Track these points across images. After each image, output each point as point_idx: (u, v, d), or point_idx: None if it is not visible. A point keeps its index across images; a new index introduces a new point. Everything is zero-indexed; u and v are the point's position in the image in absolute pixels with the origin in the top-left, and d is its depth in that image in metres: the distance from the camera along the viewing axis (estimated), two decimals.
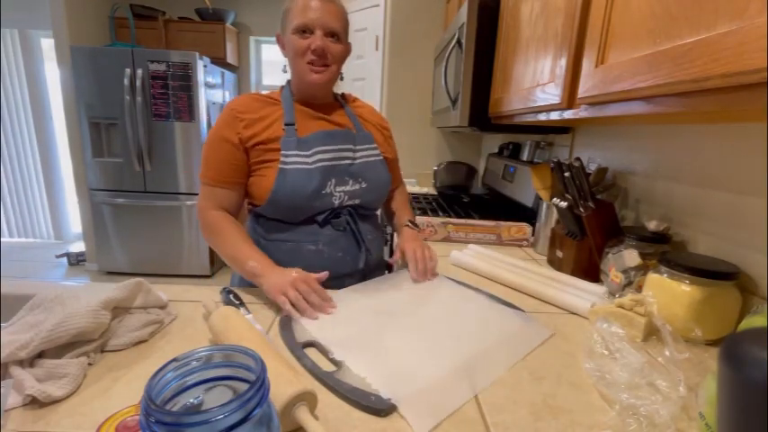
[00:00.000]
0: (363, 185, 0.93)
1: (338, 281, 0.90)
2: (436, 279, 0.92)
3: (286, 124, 0.89)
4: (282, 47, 0.93)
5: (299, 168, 0.86)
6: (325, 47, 0.85)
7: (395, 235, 1.33)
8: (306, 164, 0.87)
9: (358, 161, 0.93)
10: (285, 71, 0.98)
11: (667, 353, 0.56)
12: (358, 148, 0.95)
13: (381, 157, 0.99)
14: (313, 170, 0.87)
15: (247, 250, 0.82)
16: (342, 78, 0.98)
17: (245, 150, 0.87)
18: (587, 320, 0.76)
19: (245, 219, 0.99)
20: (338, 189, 0.89)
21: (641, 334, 0.67)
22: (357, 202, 0.93)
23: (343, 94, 1.05)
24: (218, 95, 3.11)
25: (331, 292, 0.82)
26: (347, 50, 0.92)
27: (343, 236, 0.92)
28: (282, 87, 0.96)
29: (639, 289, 0.78)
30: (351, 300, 0.78)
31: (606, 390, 0.52)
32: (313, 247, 0.90)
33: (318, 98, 0.95)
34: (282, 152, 0.86)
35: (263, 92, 0.97)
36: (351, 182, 0.91)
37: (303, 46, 0.85)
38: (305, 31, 0.85)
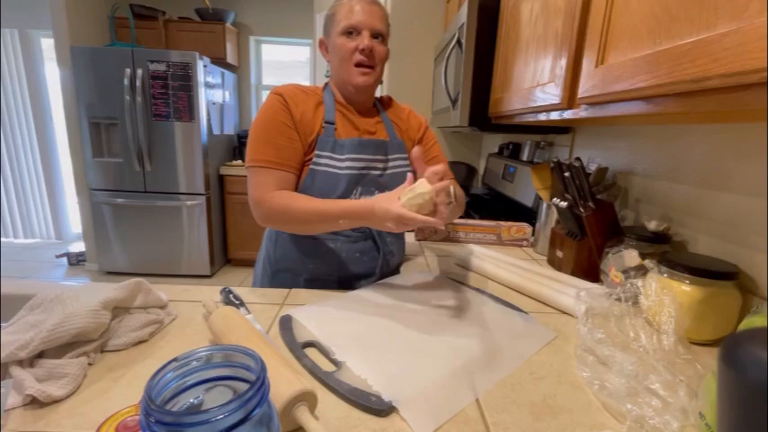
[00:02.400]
0: None
1: (352, 281, 0.91)
2: (437, 280, 0.92)
3: (326, 122, 0.88)
4: (326, 51, 0.93)
5: (329, 172, 0.86)
6: (372, 47, 0.85)
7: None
8: (336, 168, 0.87)
9: (388, 172, 0.93)
10: (327, 75, 0.98)
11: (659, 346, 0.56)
12: (390, 158, 0.94)
13: (410, 169, 0.96)
14: (342, 176, 0.87)
15: (335, 200, 0.79)
16: (382, 82, 0.97)
17: (299, 139, 0.86)
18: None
19: None
20: (363, 198, 0.89)
21: (632, 334, 0.67)
22: None
23: (381, 98, 1.03)
24: (218, 95, 3.11)
25: (331, 293, 0.82)
26: (389, 53, 0.92)
27: (362, 237, 0.92)
28: (325, 85, 0.96)
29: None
30: (352, 300, 0.78)
31: (609, 400, 0.52)
32: (332, 245, 0.90)
33: (360, 102, 0.94)
34: (317, 152, 0.86)
35: (304, 83, 0.96)
36: (377, 192, 0.90)
37: (351, 47, 0.85)
38: (351, 32, 0.85)
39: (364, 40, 0.85)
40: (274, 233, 0.95)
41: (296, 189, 0.85)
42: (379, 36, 0.87)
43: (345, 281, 0.93)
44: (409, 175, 0.77)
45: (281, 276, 0.95)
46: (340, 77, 0.90)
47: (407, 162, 0.97)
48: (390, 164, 0.94)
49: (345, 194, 0.87)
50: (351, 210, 0.74)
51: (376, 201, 0.71)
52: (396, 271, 1.03)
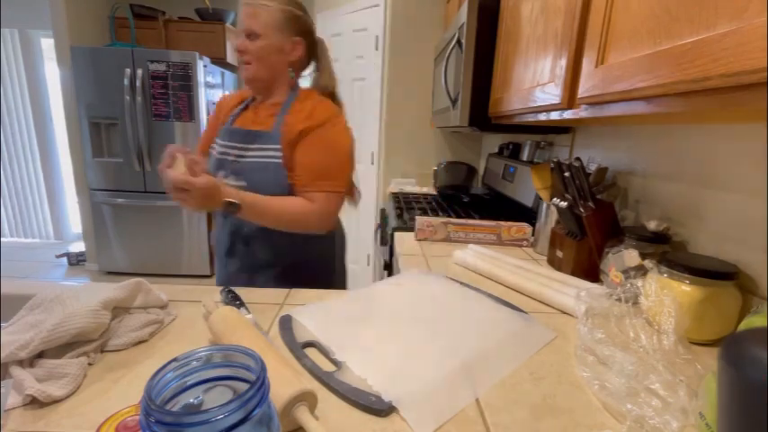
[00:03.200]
0: (243, 184, 0.95)
1: (220, 259, 1.09)
2: (437, 279, 0.92)
3: (232, 115, 1.05)
4: None
5: (211, 154, 1.04)
6: (243, 48, 0.95)
7: (395, 235, 1.33)
8: (213, 150, 1.04)
9: (244, 160, 0.98)
10: None
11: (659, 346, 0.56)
12: (251, 146, 0.98)
13: (275, 161, 0.94)
14: (212, 158, 1.03)
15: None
16: (294, 76, 1.05)
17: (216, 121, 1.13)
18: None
19: None
20: (227, 182, 0.96)
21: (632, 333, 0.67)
22: None
23: (300, 90, 1.03)
24: (218, 95, 3.11)
25: (332, 293, 0.82)
26: (271, 45, 0.96)
27: (227, 223, 1.03)
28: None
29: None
30: (352, 300, 0.78)
31: (609, 400, 0.52)
32: (214, 228, 1.11)
33: (263, 94, 1.03)
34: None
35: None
36: (232, 177, 0.97)
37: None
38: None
39: (239, 39, 0.96)
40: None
41: None
42: (252, 34, 0.94)
43: (218, 258, 1.10)
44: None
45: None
46: None
47: (278, 155, 0.94)
48: (251, 152, 0.98)
49: (213, 173, 0.95)
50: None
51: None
52: (277, 257, 1.04)
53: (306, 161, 0.95)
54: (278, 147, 0.95)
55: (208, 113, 2.91)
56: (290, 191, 0.96)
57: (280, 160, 0.95)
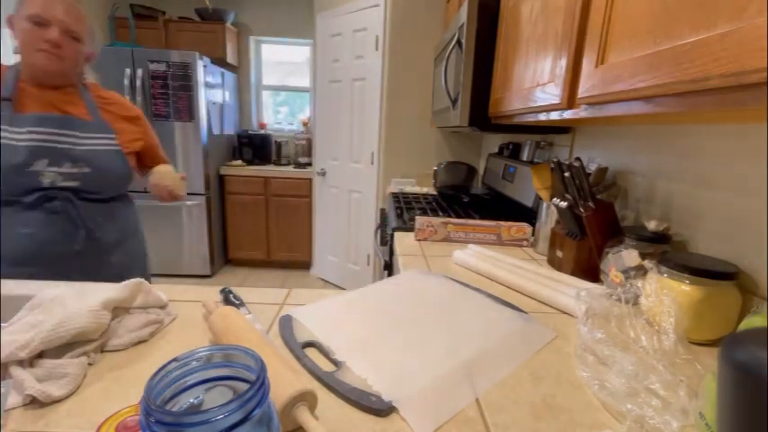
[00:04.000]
0: (87, 170, 0.99)
1: (56, 261, 0.97)
2: (437, 279, 0.92)
3: (4, 99, 0.94)
4: (13, 30, 0.97)
5: (5, 144, 0.92)
6: (62, 45, 0.94)
7: (395, 235, 1.33)
8: (13, 140, 0.92)
9: (83, 147, 0.99)
10: (16, 52, 1.03)
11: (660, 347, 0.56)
12: (85, 135, 1.00)
13: (117, 148, 1.05)
14: (20, 147, 0.92)
15: None
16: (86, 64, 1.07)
17: None
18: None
19: None
20: (51, 169, 0.94)
21: (633, 334, 0.67)
22: (76, 185, 0.98)
23: (85, 83, 1.09)
24: (218, 95, 3.11)
25: (332, 293, 0.82)
26: (84, 48, 1.01)
27: (59, 218, 0.97)
28: (11, 66, 0.99)
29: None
30: (352, 300, 0.78)
31: (609, 400, 0.52)
32: (27, 230, 0.95)
33: (50, 83, 1.00)
34: None
35: None
36: (69, 164, 0.97)
37: (38, 36, 0.92)
38: (41, 23, 0.92)
39: (53, 32, 0.92)
40: None
41: None
42: (73, 35, 0.96)
43: (50, 262, 0.99)
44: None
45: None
46: (25, 60, 0.96)
47: (114, 142, 1.05)
48: (90, 140, 1.01)
49: (24, 164, 0.91)
50: None
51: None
52: (120, 245, 1.13)
53: (150, 143, 1.20)
54: (112, 135, 1.05)
55: (208, 113, 2.91)
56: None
57: (118, 147, 1.06)
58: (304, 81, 3.72)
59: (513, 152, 1.88)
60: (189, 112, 2.78)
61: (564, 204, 0.98)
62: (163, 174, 1.15)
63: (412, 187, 2.40)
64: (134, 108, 1.17)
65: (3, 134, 0.92)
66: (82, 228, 1.00)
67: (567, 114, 0.83)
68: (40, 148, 0.94)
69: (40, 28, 0.92)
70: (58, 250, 0.98)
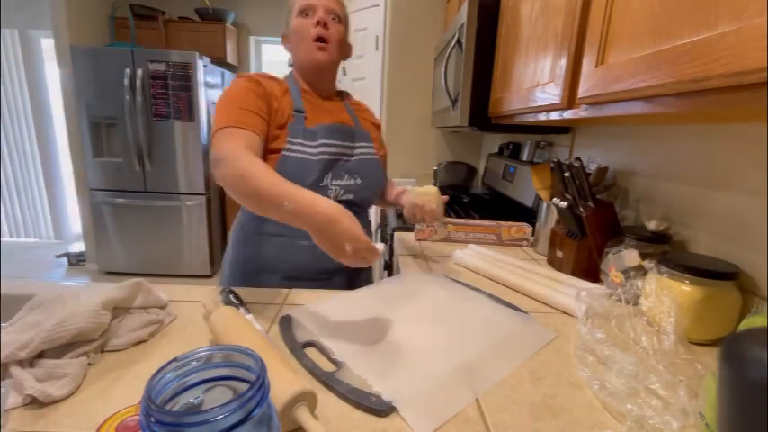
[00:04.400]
0: (359, 182, 0.95)
1: (328, 277, 0.92)
2: (437, 280, 0.92)
3: (296, 111, 0.90)
4: (288, 42, 0.96)
5: (301, 158, 0.87)
6: (327, 21, 0.89)
7: (395, 235, 1.33)
8: (308, 154, 0.88)
9: (354, 158, 0.96)
10: (290, 65, 1.01)
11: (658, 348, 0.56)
12: (356, 145, 0.97)
13: (377, 156, 1.02)
14: (314, 162, 0.88)
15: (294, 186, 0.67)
16: (345, 73, 1.02)
17: (269, 115, 0.86)
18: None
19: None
20: (334, 183, 0.91)
21: (633, 334, 0.67)
22: (351, 197, 0.94)
23: (341, 91, 1.08)
24: (218, 95, 3.11)
25: (332, 293, 0.82)
26: (346, 34, 0.95)
27: None
28: (286, 77, 0.98)
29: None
30: (352, 300, 0.78)
31: (609, 400, 0.52)
32: (306, 242, 0.88)
33: (324, 87, 0.98)
34: (289, 138, 0.88)
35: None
36: (346, 176, 0.93)
37: (308, 24, 0.89)
38: (307, 11, 0.90)
39: (320, 13, 0.89)
40: (243, 234, 0.96)
41: None
42: (334, 15, 0.92)
43: (323, 273, 0.93)
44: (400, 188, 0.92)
45: (254, 277, 0.93)
46: (301, 58, 0.94)
47: (374, 151, 1.01)
48: (358, 150, 0.97)
49: (318, 180, 0.88)
50: (301, 202, 0.62)
51: (340, 211, 0.61)
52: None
53: (385, 155, 1.10)
54: (371, 143, 1.01)
55: (208, 113, 2.91)
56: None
57: (377, 155, 1.01)
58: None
59: (513, 152, 1.88)
60: (189, 112, 2.78)
61: (564, 204, 0.98)
62: (429, 195, 0.98)
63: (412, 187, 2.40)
64: (375, 117, 1.13)
65: (299, 148, 0.88)
66: None
67: (567, 114, 0.83)
68: (329, 162, 0.90)
69: (307, 17, 0.90)
70: (333, 264, 0.87)
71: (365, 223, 1.03)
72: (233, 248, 0.98)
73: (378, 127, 1.10)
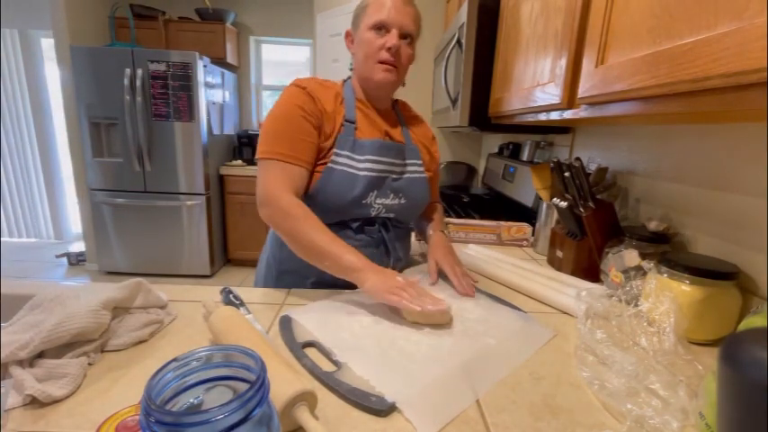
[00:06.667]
0: (403, 201, 0.91)
1: (356, 287, 0.90)
2: (439, 280, 0.92)
3: (347, 121, 0.87)
4: (351, 43, 0.92)
5: (347, 171, 0.84)
6: (399, 46, 0.84)
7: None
8: (354, 168, 0.85)
9: (404, 177, 0.92)
10: (351, 68, 0.97)
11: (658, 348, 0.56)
12: (407, 162, 0.94)
13: (425, 175, 0.97)
14: (360, 177, 0.85)
15: (341, 243, 0.77)
16: (404, 84, 0.96)
17: (318, 134, 0.83)
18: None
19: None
20: (378, 201, 0.88)
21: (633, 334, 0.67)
22: (392, 215, 0.92)
23: (396, 101, 1.03)
24: (218, 95, 3.11)
25: (332, 293, 0.82)
26: (414, 57, 0.91)
27: (373, 243, 0.90)
28: (344, 82, 0.94)
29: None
30: (352, 301, 0.78)
31: (609, 400, 0.52)
32: None
33: (381, 101, 0.94)
34: (336, 150, 0.84)
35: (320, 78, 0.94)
36: (392, 196, 0.89)
37: (378, 44, 0.84)
38: (381, 28, 0.84)
39: (392, 39, 0.83)
40: (278, 237, 0.94)
41: (309, 186, 0.84)
42: (408, 37, 0.87)
43: (354, 285, 0.92)
44: (433, 262, 0.90)
45: (286, 278, 0.92)
46: (363, 72, 0.89)
47: (422, 169, 0.97)
48: (407, 168, 0.94)
49: (361, 196, 0.85)
50: (345, 263, 0.74)
51: (373, 270, 0.73)
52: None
53: (436, 172, 1.06)
54: (420, 161, 0.97)
55: (208, 113, 2.91)
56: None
57: (425, 174, 0.97)
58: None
59: (513, 152, 1.88)
60: (189, 112, 2.78)
61: (564, 204, 0.98)
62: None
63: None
64: (429, 128, 1.07)
65: (346, 161, 0.84)
66: (392, 254, 0.93)
67: (567, 114, 0.83)
68: (375, 179, 0.86)
69: (379, 36, 0.84)
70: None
71: (402, 237, 0.99)
72: (270, 249, 0.98)
73: (433, 139, 1.05)
